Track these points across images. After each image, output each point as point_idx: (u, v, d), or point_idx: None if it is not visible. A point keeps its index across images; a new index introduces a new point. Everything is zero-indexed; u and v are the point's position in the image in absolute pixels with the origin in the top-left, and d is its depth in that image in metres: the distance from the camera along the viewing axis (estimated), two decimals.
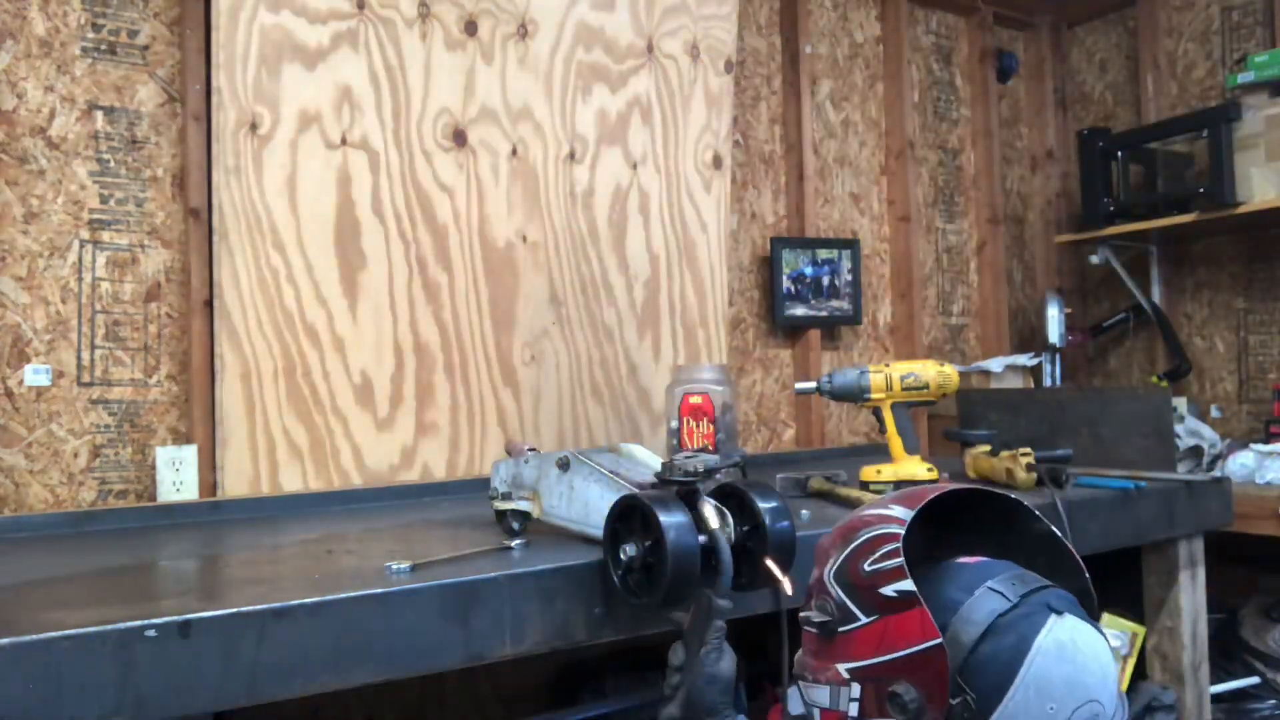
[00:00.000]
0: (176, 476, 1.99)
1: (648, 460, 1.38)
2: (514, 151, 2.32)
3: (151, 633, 0.97)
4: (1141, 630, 2.04)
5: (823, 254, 2.94)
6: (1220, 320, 3.17)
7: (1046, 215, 3.58)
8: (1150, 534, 1.92)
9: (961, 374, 2.29)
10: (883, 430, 1.84)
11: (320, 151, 2.08)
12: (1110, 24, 3.49)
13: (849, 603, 1.02)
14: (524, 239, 2.33)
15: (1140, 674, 2.05)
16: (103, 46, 2.00)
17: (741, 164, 2.87)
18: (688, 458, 1.23)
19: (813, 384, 1.88)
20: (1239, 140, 2.71)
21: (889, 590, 0.98)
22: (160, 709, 0.98)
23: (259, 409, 2.00)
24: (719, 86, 2.64)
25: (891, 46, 3.18)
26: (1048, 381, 3.18)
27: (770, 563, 1.17)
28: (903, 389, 1.80)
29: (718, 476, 1.26)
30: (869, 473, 1.83)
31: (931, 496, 1.07)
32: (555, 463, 1.37)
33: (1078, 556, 1.11)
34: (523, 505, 1.43)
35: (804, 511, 1.63)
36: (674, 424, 2.02)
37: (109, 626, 0.96)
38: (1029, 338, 3.47)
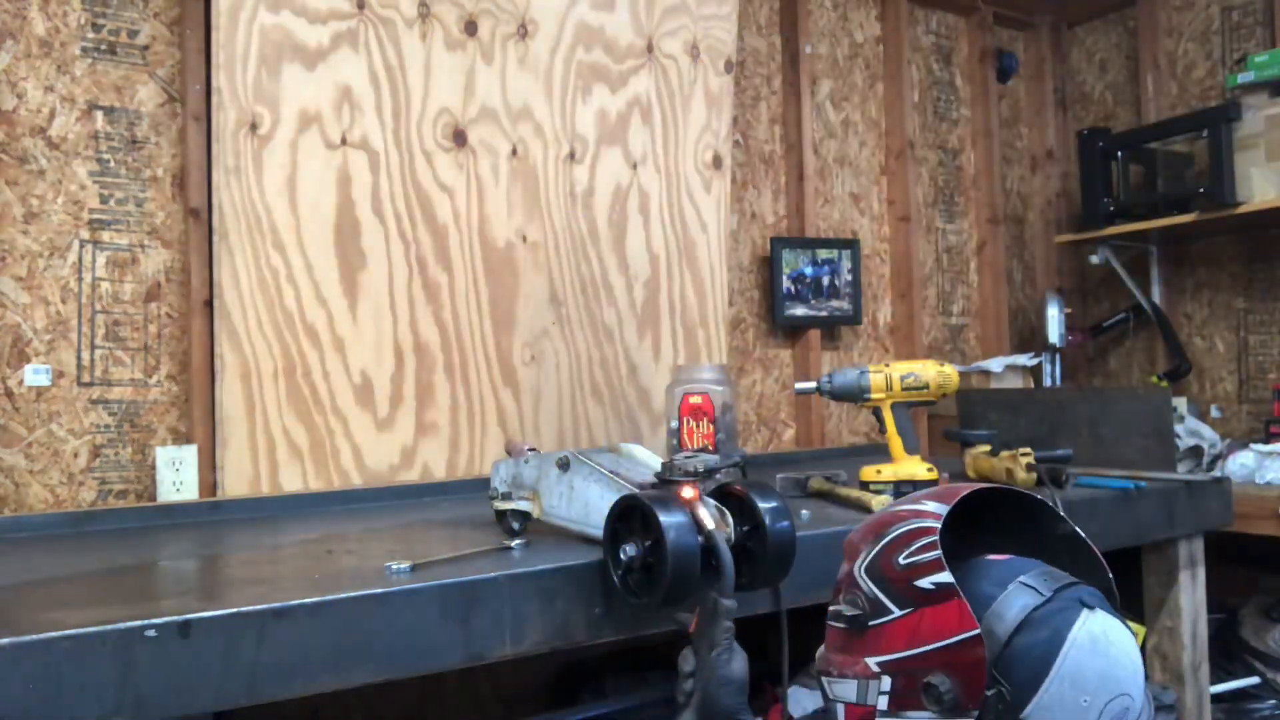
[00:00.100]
0: (176, 476, 1.99)
1: (648, 460, 1.38)
2: (514, 151, 2.32)
3: (151, 633, 0.97)
4: (1141, 630, 2.04)
5: (823, 254, 2.94)
6: (1220, 320, 3.17)
7: (1046, 215, 3.58)
8: (1150, 534, 1.92)
9: (961, 374, 2.28)
10: (883, 430, 1.84)
11: (320, 151, 2.08)
12: (1110, 24, 3.49)
13: (881, 596, 1.03)
14: (524, 239, 2.33)
15: None
16: (103, 46, 2.00)
17: (741, 164, 2.87)
18: (688, 458, 1.23)
19: (813, 384, 1.88)
20: (1239, 140, 2.71)
21: (925, 583, 0.99)
22: (160, 709, 0.98)
23: (259, 409, 2.00)
24: (719, 86, 2.64)
25: (891, 46, 3.18)
26: (1048, 381, 3.18)
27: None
28: (903, 389, 1.80)
29: (718, 476, 1.26)
30: (869, 473, 1.82)
31: (965, 493, 1.08)
32: (555, 463, 1.37)
33: (1100, 556, 1.12)
34: (523, 505, 1.43)
35: (804, 511, 1.63)
36: (674, 424, 2.02)
37: (109, 626, 0.96)
38: (1029, 338, 3.47)
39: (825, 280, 2.94)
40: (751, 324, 2.90)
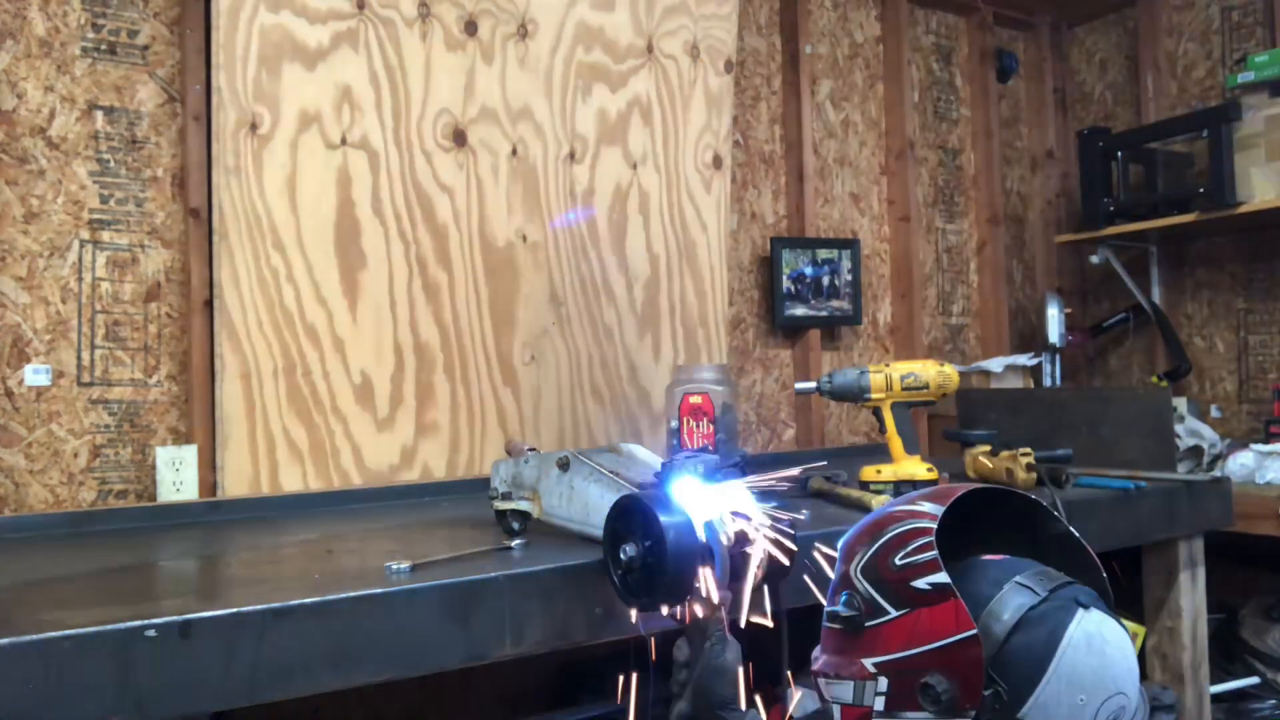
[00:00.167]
0: (176, 476, 1.99)
1: (648, 460, 1.38)
2: (514, 151, 2.32)
3: (151, 633, 0.97)
4: (1141, 630, 2.04)
5: (823, 254, 2.94)
6: (1220, 320, 3.17)
7: (1046, 215, 3.58)
8: (1150, 534, 1.92)
9: (961, 374, 2.28)
10: (883, 430, 1.84)
11: (320, 151, 2.08)
12: (1110, 24, 3.49)
13: (877, 597, 1.03)
14: (524, 239, 2.33)
15: (1140, 674, 2.05)
16: (103, 46, 2.00)
17: (741, 164, 2.87)
18: (688, 458, 1.22)
19: (813, 384, 1.88)
20: (1239, 140, 2.71)
21: (921, 583, 0.99)
22: (160, 709, 0.98)
23: (259, 409, 2.00)
24: (719, 86, 2.64)
25: (891, 46, 3.18)
26: (1048, 381, 3.18)
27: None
28: (903, 389, 1.80)
29: (718, 476, 1.26)
30: (869, 473, 1.82)
31: (960, 494, 1.08)
32: (555, 463, 1.37)
33: (1095, 556, 1.12)
34: (523, 505, 1.43)
35: (804, 511, 1.63)
36: (674, 424, 2.02)
37: (109, 626, 0.96)
38: (1029, 338, 3.47)
39: (825, 280, 2.94)
40: (751, 324, 2.90)
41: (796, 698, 1.30)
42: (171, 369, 2.05)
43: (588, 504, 1.32)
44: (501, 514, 1.47)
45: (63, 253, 1.95)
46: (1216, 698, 2.25)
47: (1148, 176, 3.08)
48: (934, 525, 1.02)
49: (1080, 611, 0.99)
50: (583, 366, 2.41)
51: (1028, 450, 1.83)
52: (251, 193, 2.00)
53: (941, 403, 1.95)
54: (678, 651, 1.13)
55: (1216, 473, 2.58)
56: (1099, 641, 0.98)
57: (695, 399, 1.99)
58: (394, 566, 1.20)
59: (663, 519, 1.11)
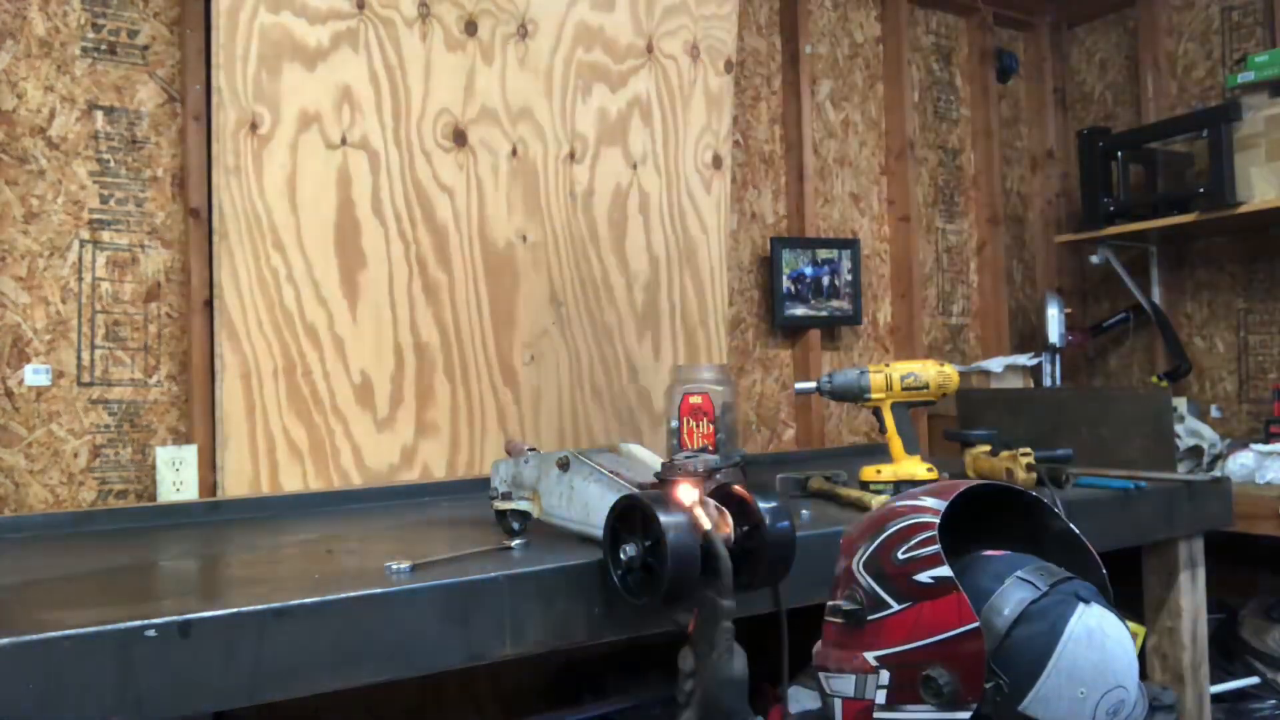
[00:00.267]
0: (176, 476, 1.99)
1: (648, 460, 1.38)
2: (514, 151, 2.32)
3: (151, 633, 0.97)
4: (1141, 630, 2.04)
5: (823, 254, 2.94)
6: (1220, 320, 3.17)
7: (1046, 215, 3.58)
8: (1150, 534, 1.92)
9: (961, 374, 2.28)
10: (883, 430, 1.84)
11: (320, 151, 2.08)
12: (1110, 24, 3.49)
13: (880, 591, 1.04)
14: (524, 239, 2.34)
15: (1140, 674, 2.05)
16: (103, 46, 2.00)
17: (741, 164, 2.87)
18: (688, 458, 1.22)
19: (813, 384, 1.88)
20: (1239, 140, 2.71)
21: (924, 577, 1.00)
22: (160, 709, 0.98)
23: (259, 409, 2.00)
24: (719, 86, 2.64)
25: (891, 46, 3.18)
26: (1048, 381, 3.18)
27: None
28: (903, 389, 1.80)
29: (718, 477, 1.26)
30: (869, 473, 1.83)
31: (962, 490, 1.08)
32: (555, 463, 1.37)
33: (1095, 552, 1.12)
34: (523, 505, 1.43)
35: (804, 511, 1.63)
36: (674, 424, 2.02)
37: (109, 626, 0.96)
38: (1029, 338, 3.47)
39: (825, 280, 2.94)
40: (751, 324, 2.90)
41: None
42: (171, 369, 2.05)
43: (588, 504, 1.32)
44: (501, 514, 1.47)
45: (63, 253, 1.95)
46: (1216, 698, 2.25)
47: (1148, 176, 3.09)
48: (936, 520, 1.03)
49: (1081, 606, 0.99)
50: (583, 367, 2.41)
51: (1028, 450, 1.83)
52: (251, 193, 2.00)
53: (941, 403, 1.96)
54: (682, 661, 1.13)
55: (1216, 473, 2.58)
56: (1099, 636, 0.98)
57: (695, 399, 2.00)
58: (394, 566, 1.20)
59: (663, 519, 1.11)
